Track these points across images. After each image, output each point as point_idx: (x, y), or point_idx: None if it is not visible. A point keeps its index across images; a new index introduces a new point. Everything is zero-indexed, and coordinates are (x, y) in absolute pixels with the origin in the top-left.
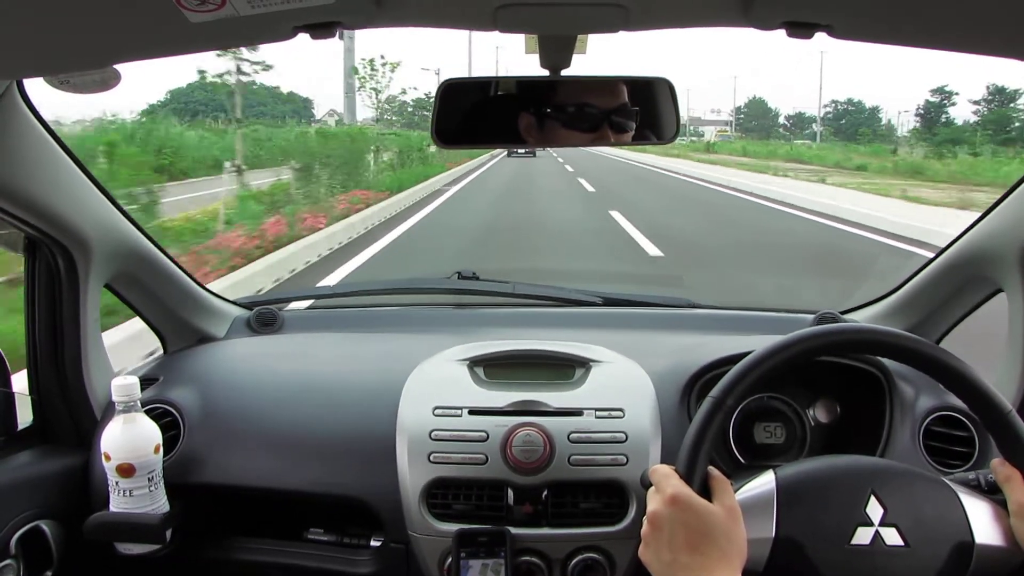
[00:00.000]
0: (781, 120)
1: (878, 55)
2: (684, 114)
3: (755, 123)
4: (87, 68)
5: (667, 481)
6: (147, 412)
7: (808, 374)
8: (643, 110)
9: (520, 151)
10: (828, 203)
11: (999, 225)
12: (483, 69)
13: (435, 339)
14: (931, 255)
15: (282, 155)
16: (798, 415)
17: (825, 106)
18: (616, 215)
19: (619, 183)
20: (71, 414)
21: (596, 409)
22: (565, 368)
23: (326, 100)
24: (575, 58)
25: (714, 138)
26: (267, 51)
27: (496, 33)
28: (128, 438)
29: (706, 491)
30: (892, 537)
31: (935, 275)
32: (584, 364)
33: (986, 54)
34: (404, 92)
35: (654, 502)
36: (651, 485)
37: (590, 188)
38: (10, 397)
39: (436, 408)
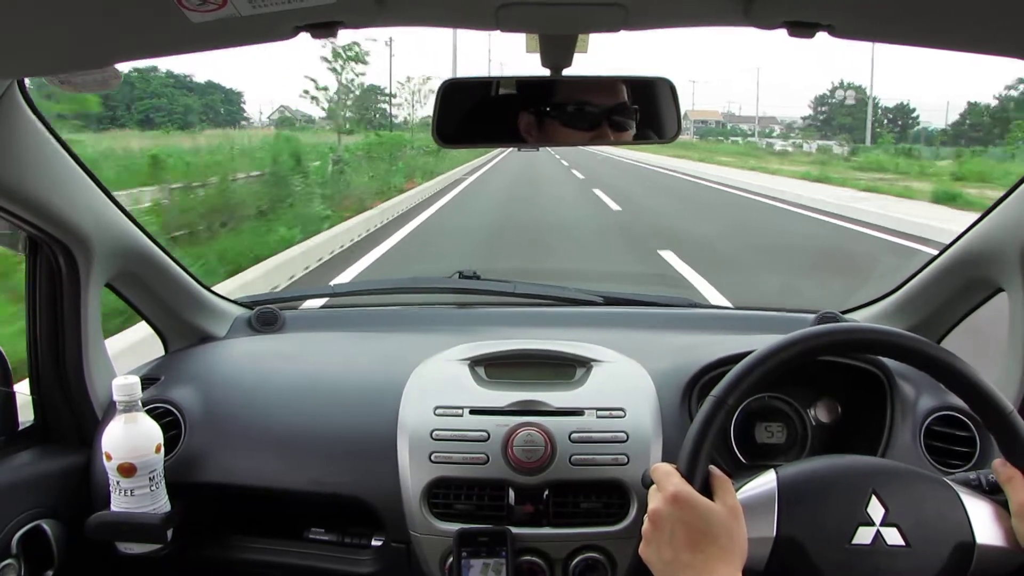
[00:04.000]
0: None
1: None
2: (732, 109)
3: (850, 119)
4: (88, 68)
5: (668, 479)
6: (148, 412)
7: (809, 374)
8: (644, 110)
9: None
10: None
11: (1000, 225)
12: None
13: (436, 339)
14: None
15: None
16: (799, 415)
17: (1010, 86)
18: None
19: None
20: (72, 413)
21: (597, 409)
22: (566, 368)
23: (262, 92)
24: (577, 57)
25: None
26: None
27: (497, 32)
28: (129, 438)
29: (707, 490)
30: (893, 537)
31: (936, 275)
32: (585, 364)
33: (989, 53)
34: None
35: (655, 500)
36: (652, 484)
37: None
38: (11, 396)
39: (437, 408)
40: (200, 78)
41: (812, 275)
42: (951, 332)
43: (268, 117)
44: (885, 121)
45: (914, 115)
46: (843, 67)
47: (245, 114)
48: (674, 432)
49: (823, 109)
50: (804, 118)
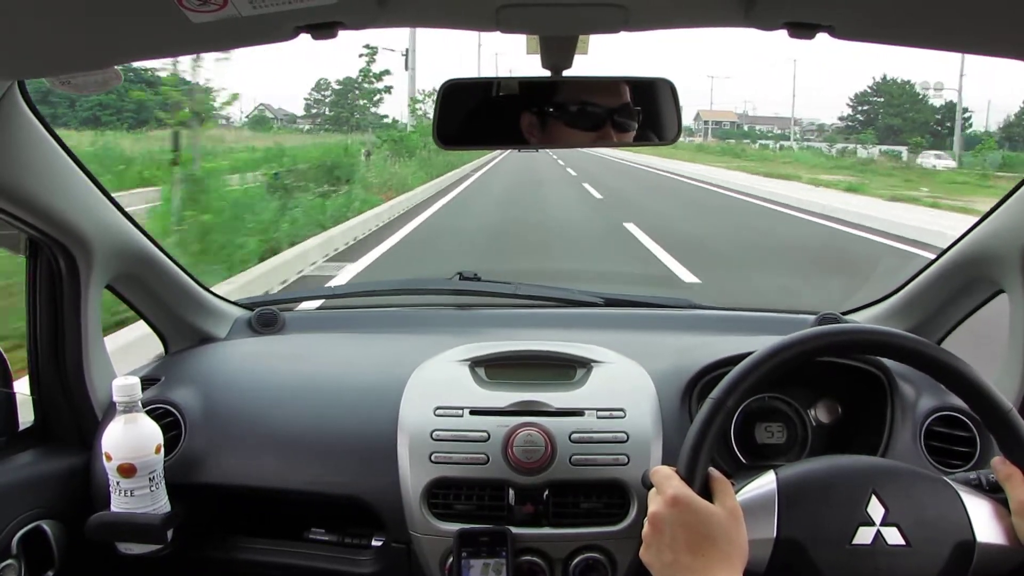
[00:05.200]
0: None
1: None
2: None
3: (899, 118)
4: (89, 69)
5: (668, 482)
6: (148, 412)
7: (809, 374)
8: (645, 111)
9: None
10: None
11: (1000, 226)
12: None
13: (436, 340)
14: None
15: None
16: (799, 415)
17: None
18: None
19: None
20: (72, 414)
21: (597, 409)
22: (566, 368)
23: (247, 89)
24: (576, 59)
25: None
26: None
27: (497, 33)
28: (129, 438)
29: (707, 492)
30: (893, 537)
31: (936, 276)
32: (585, 364)
33: (989, 54)
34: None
35: (655, 503)
36: (652, 486)
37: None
38: (11, 397)
39: (437, 408)
40: (165, 72)
41: None
42: (951, 333)
43: (246, 116)
44: (931, 123)
45: (965, 115)
46: (851, 66)
47: (216, 111)
48: (674, 433)
49: (864, 108)
50: (842, 118)
